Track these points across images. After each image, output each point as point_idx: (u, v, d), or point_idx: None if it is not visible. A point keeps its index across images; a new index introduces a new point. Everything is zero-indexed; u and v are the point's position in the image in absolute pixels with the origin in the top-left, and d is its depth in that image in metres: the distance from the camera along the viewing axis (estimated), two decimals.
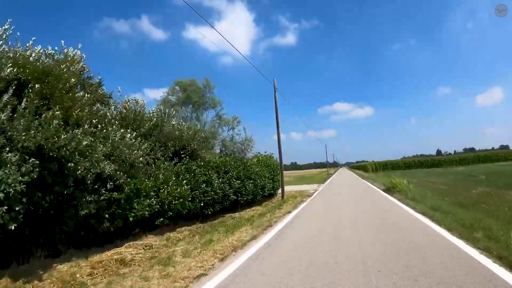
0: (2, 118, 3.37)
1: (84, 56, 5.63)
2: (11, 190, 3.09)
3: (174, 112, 9.43)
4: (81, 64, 5.59)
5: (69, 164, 3.99)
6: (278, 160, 18.19)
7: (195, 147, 8.92)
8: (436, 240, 4.52)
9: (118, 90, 7.79)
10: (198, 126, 10.95)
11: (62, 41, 5.30)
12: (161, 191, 6.40)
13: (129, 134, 5.83)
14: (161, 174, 6.67)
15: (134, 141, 5.84)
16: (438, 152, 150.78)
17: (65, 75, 4.63)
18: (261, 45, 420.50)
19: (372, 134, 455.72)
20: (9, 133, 3.42)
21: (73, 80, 4.88)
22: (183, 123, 9.25)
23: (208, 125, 21.60)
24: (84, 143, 4.13)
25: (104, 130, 5.28)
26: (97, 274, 3.93)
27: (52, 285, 3.53)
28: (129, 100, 7.97)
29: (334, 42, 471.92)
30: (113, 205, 5.13)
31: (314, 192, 15.23)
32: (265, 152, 17.45)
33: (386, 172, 42.96)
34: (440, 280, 2.91)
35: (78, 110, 4.71)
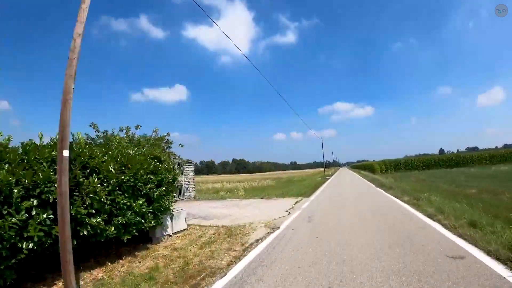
0: None
1: None
2: None
3: None
4: None
5: None
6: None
7: None
8: None
9: None
10: None
11: None
12: None
13: None
14: None
15: None
16: (441, 151, 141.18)
17: None
18: (260, 44, 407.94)
19: (373, 133, 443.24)
20: None
21: None
22: None
23: None
24: None
25: None
26: None
27: None
28: None
29: (334, 42, 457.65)
30: None
31: (256, 246, 5.12)
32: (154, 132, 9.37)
33: (401, 173, 32.80)
34: None
35: None
